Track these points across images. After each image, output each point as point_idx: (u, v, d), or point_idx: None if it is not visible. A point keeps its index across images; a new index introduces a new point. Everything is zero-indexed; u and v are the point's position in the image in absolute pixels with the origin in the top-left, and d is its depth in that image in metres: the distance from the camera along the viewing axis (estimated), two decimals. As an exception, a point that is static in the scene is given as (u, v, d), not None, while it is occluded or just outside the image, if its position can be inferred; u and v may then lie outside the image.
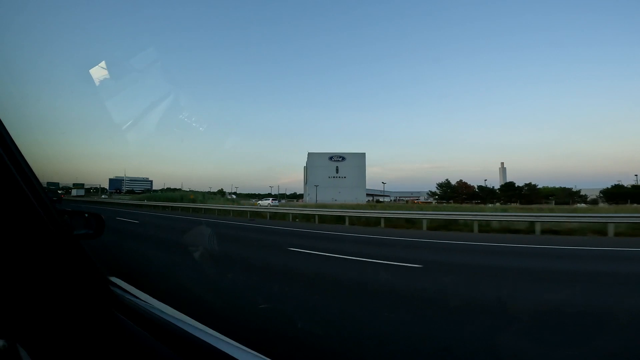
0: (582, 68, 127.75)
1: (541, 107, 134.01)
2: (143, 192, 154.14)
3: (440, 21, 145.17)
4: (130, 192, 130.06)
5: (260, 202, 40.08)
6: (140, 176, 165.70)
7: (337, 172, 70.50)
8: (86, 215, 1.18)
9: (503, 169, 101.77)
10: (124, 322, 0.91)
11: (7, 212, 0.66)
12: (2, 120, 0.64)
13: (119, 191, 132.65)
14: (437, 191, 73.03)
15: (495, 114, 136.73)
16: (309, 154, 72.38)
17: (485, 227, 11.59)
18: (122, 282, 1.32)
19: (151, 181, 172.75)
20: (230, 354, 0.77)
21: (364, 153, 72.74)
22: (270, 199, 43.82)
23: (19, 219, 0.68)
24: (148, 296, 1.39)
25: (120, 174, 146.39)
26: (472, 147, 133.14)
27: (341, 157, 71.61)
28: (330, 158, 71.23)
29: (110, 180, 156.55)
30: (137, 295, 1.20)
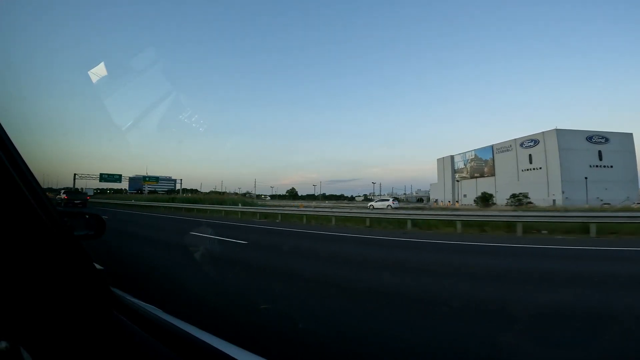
0: (585, 68, 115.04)
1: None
2: (167, 192, 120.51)
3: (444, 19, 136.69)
4: (153, 192, 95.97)
5: (373, 203, 30.72)
6: (163, 174, 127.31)
7: (600, 159, 47.77)
8: (87, 216, 1.22)
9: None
10: (124, 323, 0.91)
11: (7, 214, 0.64)
12: (1, 121, 0.62)
13: (141, 192, 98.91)
14: None
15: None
16: (558, 131, 47.61)
17: None
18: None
19: (175, 180, 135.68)
20: (230, 354, 0.76)
21: (631, 133, 49.52)
22: (391, 199, 33.83)
23: (18, 220, 0.66)
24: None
25: (140, 172, 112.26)
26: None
27: (603, 138, 48.24)
28: (589, 138, 47.62)
29: (130, 179, 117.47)
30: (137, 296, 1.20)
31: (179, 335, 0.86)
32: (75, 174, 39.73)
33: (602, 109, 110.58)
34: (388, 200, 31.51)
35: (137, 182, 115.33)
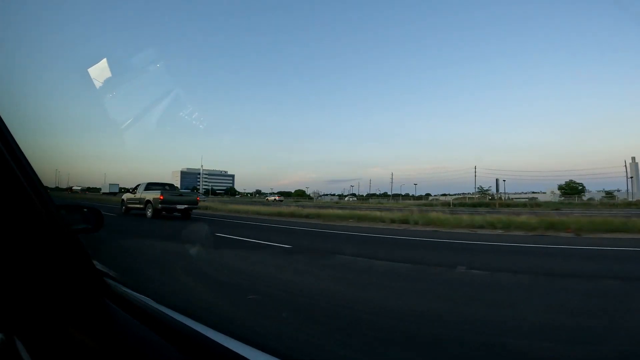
0: (587, 70, 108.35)
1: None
2: (226, 191, 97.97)
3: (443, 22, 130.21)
4: (212, 192, 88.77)
5: None
6: (217, 169, 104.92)
7: None
8: (85, 210, 1.23)
9: (635, 165, 59.38)
10: (116, 312, 0.91)
11: (4, 206, 0.65)
12: (4, 117, 0.62)
13: (196, 190, 73.34)
14: None
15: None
16: None
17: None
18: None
19: (232, 176, 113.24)
20: (224, 345, 0.75)
21: None
22: None
23: (16, 213, 0.66)
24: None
25: (195, 165, 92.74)
26: (474, 148, 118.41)
27: None
28: None
29: (182, 173, 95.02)
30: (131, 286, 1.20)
31: (170, 324, 0.86)
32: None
33: None
34: None
35: (191, 178, 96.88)
